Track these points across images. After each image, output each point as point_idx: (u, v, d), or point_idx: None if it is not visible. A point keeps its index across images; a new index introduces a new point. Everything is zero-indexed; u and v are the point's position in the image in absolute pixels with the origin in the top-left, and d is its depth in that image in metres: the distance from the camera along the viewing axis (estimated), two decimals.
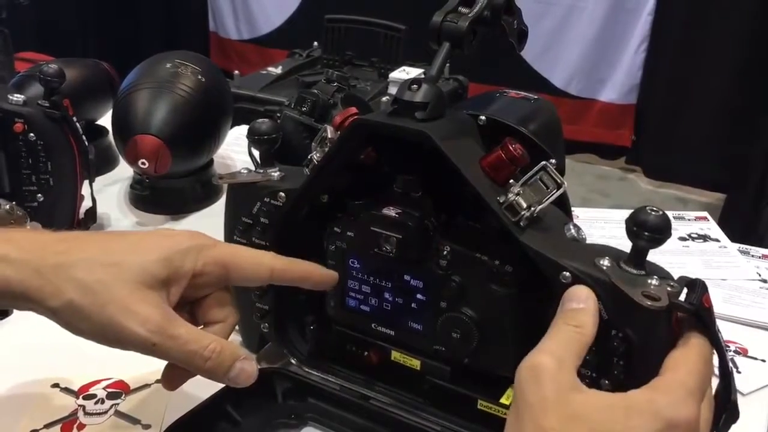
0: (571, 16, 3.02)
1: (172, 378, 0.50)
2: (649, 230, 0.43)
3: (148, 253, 0.48)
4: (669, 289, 0.43)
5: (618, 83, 3.07)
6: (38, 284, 0.45)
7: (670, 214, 0.45)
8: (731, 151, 2.74)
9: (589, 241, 0.49)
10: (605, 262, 0.45)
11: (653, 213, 0.43)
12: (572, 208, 0.58)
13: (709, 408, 0.43)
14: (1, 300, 0.46)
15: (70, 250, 0.47)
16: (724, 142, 2.83)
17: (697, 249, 0.92)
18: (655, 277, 0.44)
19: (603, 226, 0.94)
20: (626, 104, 3.08)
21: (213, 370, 0.48)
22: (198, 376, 0.49)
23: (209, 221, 0.90)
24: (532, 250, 0.46)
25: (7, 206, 0.54)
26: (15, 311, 0.66)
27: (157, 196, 0.95)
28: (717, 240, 0.94)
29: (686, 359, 0.42)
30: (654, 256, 0.45)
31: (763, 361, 0.72)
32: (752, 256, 0.90)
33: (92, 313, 0.45)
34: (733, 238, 0.95)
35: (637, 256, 0.44)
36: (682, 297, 0.43)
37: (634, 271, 0.44)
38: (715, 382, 0.45)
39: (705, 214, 1.01)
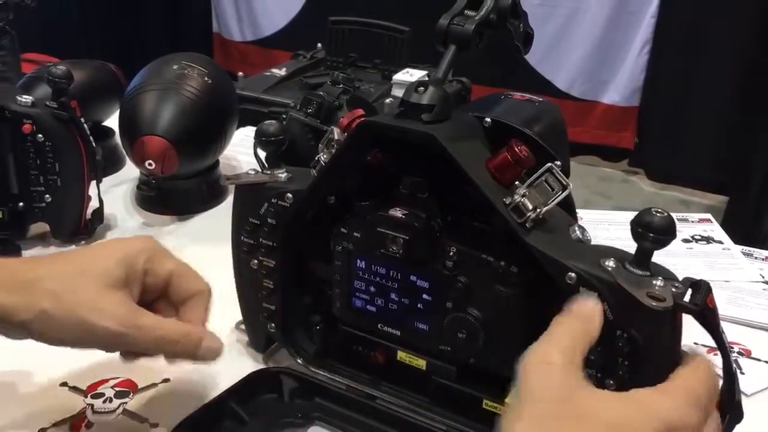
0: (574, 18, 3.02)
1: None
2: (654, 232, 0.43)
3: (108, 258, 0.53)
4: (674, 289, 0.43)
5: (621, 85, 3.07)
6: (10, 301, 0.49)
7: (674, 215, 0.45)
8: (734, 154, 2.74)
9: (593, 242, 0.50)
10: (610, 263, 0.45)
11: (658, 214, 0.43)
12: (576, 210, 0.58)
13: (716, 425, 0.43)
14: None
15: (37, 268, 0.51)
16: (727, 145, 2.83)
17: (700, 251, 0.92)
18: (660, 278, 0.44)
19: (607, 227, 0.95)
20: (629, 106, 3.09)
21: (182, 352, 0.53)
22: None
23: (214, 222, 0.91)
24: (538, 251, 0.47)
25: None
26: None
27: (163, 197, 0.95)
28: (720, 242, 0.94)
29: (698, 370, 0.42)
30: (658, 257, 0.45)
31: (767, 362, 0.72)
32: (755, 258, 0.91)
33: (64, 318, 0.49)
34: (736, 240, 0.95)
35: (642, 258, 0.45)
36: (687, 298, 0.43)
37: (639, 272, 0.45)
38: (719, 382, 0.46)
39: (708, 216, 1.02)
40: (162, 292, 0.56)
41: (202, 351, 0.53)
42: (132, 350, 0.53)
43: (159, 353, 0.53)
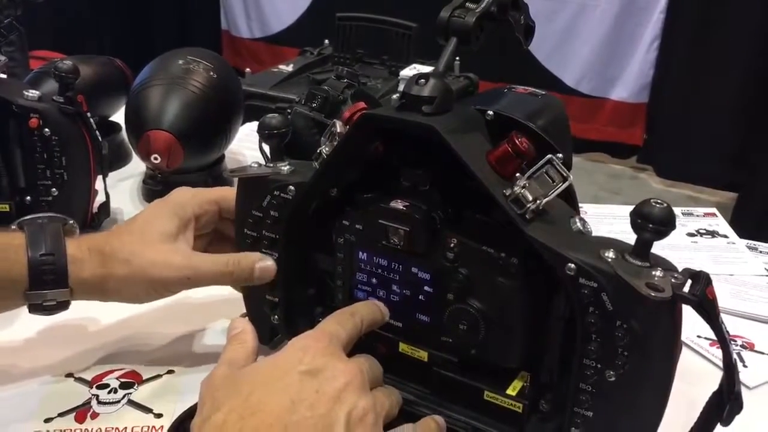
0: (582, 14, 3.01)
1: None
2: (653, 222, 0.43)
3: (158, 218, 0.61)
4: (673, 280, 0.43)
5: (630, 82, 3.06)
6: (99, 272, 0.58)
7: (679, 210, 0.45)
8: (743, 150, 2.73)
9: (595, 235, 0.50)
10: (610, 254, 0.45)
11: (657, 205, 0.43)
12: (582, 205, 0.58)
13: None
14: (84, 294, 0.59)
15: (111, 241, 0.60)
16: (736, 141, 2.82)
17: (705, 245, 0.92)
18: (659, 268, 0.44)
19: (612, 221, 0.95)
20: (638, 103, 3.08)
21: (241, 278, 0.60)
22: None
23: None
24: (538, 242, 0.47)
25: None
26: None
27: (169, 191, 0.95)
28: (725, 236, 0.94)
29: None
30: (662, 251, 0.45)
31: None
32: (760, 252, 0.90)
33: (137, 279, 0.58)
34: (745, 236, 0.95)
35: (642, 248, 0.45)
36: (686, 288, 0.43)
37: (639, 263, 0.45)
38: (719, 374, 0.46)
39: (713, 210, 1.01)
40: (218, 224, 0.66)
41: (257, 274, 0.60)
42: (199, 286, 0.61)
43: (221, 284, 0.62)
